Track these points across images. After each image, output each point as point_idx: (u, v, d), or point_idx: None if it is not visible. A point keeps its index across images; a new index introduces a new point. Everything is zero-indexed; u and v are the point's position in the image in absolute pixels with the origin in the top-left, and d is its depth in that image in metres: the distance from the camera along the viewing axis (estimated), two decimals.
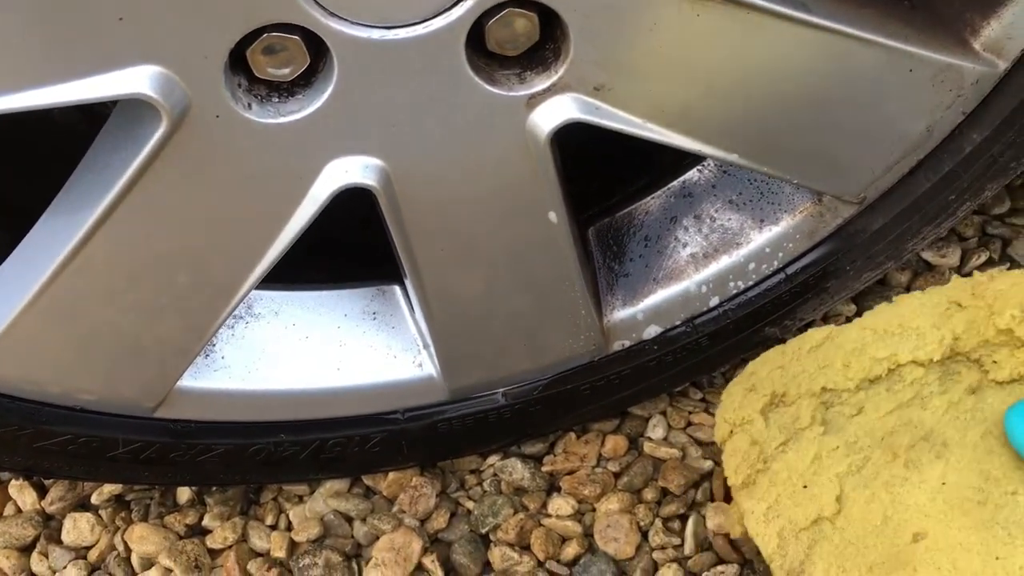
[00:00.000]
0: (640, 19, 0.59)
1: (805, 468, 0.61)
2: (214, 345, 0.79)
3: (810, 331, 0.64)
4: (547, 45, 0.62)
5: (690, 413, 0.92)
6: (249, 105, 0.60)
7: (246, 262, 0.68)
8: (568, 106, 0.63)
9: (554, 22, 0.60)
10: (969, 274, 0.98)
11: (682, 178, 0.81)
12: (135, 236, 0.65)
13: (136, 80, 0.55)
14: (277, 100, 0.61)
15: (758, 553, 0.82)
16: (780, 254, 0.79)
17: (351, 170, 0.64)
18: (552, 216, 0.70)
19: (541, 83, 0.62)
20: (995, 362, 0.60)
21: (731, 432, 0.63)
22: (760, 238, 0.79)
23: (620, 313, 0.82)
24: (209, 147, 0.60)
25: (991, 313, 0.60)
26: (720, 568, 0.83)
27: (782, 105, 0.65)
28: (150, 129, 0.58)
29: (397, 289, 0.83)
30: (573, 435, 0.92)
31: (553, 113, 0.63)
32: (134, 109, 0.58)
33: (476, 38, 0.60)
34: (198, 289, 0.69)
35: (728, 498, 0.87)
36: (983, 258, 0.98)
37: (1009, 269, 0.68)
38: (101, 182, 0.61)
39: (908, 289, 0.98)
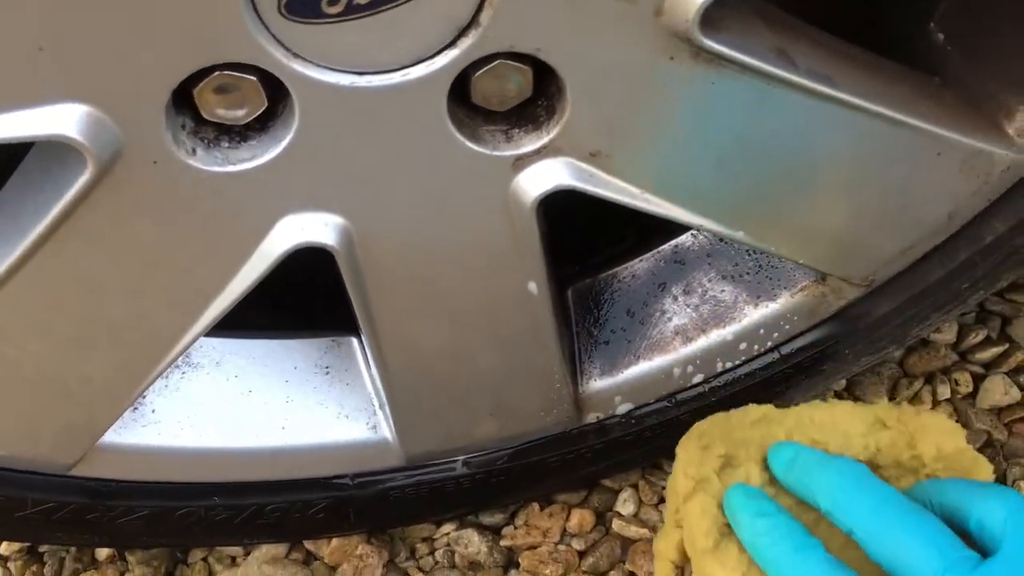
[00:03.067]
0: (648, 82, 0.52)
1: None
2: (144, 397, 0.71)
3: (751, 406, 0.64)
4: (540, 101, 0.55)
5: (663, 488, 0.86)
6: (193, 150, 0.51)
7: (182, 318, 0.60)
8: (559, 171, 0.56)
9: (550, 78, 0.53)
10: (964, 352, 0.93)
11: (674, 242, 0.74)
12: (55, 286, 0.56)
13: (58, 120, 0.47)
14: (227, 145, 0.53)
15: None
16: (775, 333, 0.73)
17: (308, 227, 0.56)
18: (532, 287, 0.62)
19: (530, 144, 0.55)
20: (899, 483, 0.62)
21: (694, 489, 0.59)
22: (755, 315, 0.72)
23: (597, 384, 0.75)
24: (144, 195, 0.52)
25: (911, 440, 0.62)
26: None
27: (797, 184, 0.59)
28: (73, 174, 0.49)
29: (354, 341, 0.75)
30: (536, 506, 0.85)
31: (541, 178, 0.56)
32: (55, 148, 0.50)
33: (460, 89, 0.52)
34: (126, 343, 0.61)
35: None
36: (980, 336, 0.92)
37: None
38: (14, 229, 0.53)
39: (901, 364, 0.92)
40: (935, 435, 0.61)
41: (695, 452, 0.61)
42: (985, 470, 0.61)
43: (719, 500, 0.59)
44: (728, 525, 0.58)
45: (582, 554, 0.82)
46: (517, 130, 0.55)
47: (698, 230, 0.62)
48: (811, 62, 0.54)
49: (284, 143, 0.52)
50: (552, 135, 0.54)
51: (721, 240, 0.73)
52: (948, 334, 0.92)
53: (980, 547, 0.52)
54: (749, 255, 0.72)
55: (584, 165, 0.56)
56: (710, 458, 0.61)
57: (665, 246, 0.75)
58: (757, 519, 0.55)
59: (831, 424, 0.62)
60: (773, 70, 0.52)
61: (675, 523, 0.62)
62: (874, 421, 0.62)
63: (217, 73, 0.48)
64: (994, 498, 0.52)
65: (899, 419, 0.62)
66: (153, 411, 0.71)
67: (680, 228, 0.75)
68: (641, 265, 0.76)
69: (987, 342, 0.92)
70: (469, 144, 0.54)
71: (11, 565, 0.82)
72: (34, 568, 0.81)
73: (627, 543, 0.83)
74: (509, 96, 0.53)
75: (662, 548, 0.63)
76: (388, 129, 0.52)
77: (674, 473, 0.62)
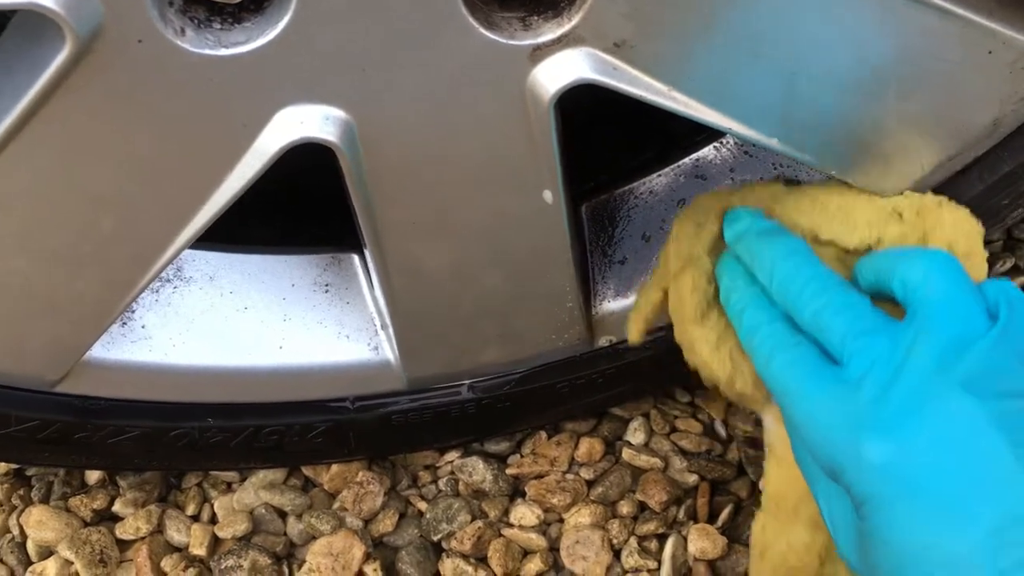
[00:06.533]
0: None
1: None
2: (133, 311, 0.67)
3: (759, 182, 0.63)
4: None
5: (675, 418, 0.83)
6: (182, 30, 0.47)
7: (171, 222, 0.56)
8: (580, 63, 0.51)
9: None
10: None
11: (695, 156, 0.70)
12: (34, 178, 0.52)
13: None
14: (219, 27, 0.48)
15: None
16: None
17: (308, 121, 0.51)
18: (547, 195, 0.58)
19: (550, 32, 0.50)
20: None
21: (684, 267, 0.61)
22: None
23: (611, 305, 0.71)
24: (127, 79, 0.47)
25: (923, 237, 0.60)
26: None
27: (839, 83, 0.54)
28: (50, 51, 0.45)
29: (355, 259, 0.71)
30: (544, 434, 0.82)
31: (561, 70, 0.51)
32: (33, 23, 0.45)
33: None
34: (111, 247, 0.57)
35: (711, 517, 0.78)
36: (1008, 264, 0.88)
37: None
38: None
39: None
40: (949, 233, 0.58)
41: (690, 229, 0.61)
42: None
43: (709, 275, 0.60)
44: (715, 297, 0.60)
45: (591, 484, 0.79)
46: (535, 16, 0.51)
47: (727, 134, 0.58)
48: None
49: (281, 25, 0.47)
50: (574, 22, 0.50)
51: (746, 153, 0.69)
52: None
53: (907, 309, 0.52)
54: (776, 169, 0.68)
55: (607, 57, 0.51)
56: (702, 236, 0.61)
57: (685, 160, 0.71)
58: (734, 280, 0.58)
59: (836, 209, 0.60)
60: None
61: (660, 287, 0.63)
62: (890, 212, 0.60)
63: None
64: (915, 257, 0.52)
65: (918, 212, 0.60)
66: (143, 327, 0.67)
67: (702, 141, 0.70)
68: (659, 180, 0.72)
69: (1015, 271, 0.88)
70: (483, 31, 0.49)
71: None
72: (21, 492, 0.78)
73: (637, 473, 0.79)
74: None
75: (643, 303, 0.64)
76: (395, 12, 0.48)
77: (667, 247, 0.63)
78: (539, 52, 0.51)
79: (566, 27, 0.50)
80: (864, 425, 0.48)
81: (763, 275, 0.56)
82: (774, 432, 0.60)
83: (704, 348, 0.59)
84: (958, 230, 0.58)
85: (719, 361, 0.59)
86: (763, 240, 0.57)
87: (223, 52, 0.48)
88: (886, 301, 0.54)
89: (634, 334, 0.66)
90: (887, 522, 0.46)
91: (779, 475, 0.60)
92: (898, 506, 0.46)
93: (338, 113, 0.52)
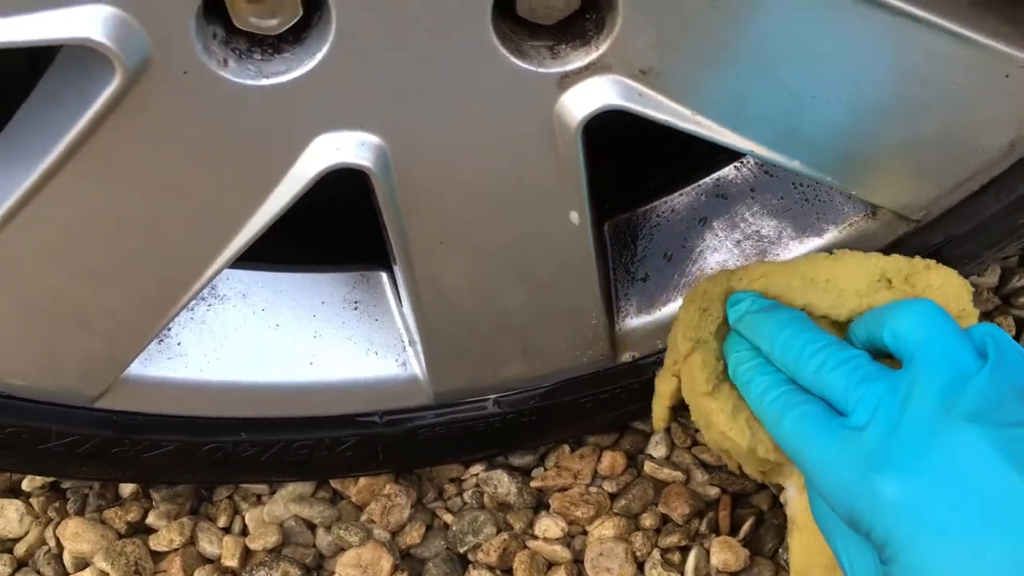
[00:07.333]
0: None
1: None
2: (170, 329, 0.69)
3: (753, 264, 0.65)
4: (588, 15, 0.52)
5: (696, 431, 0.84)
6: (225, 61, 0.49)
7: (210, 244, 0.58)
8: (607, 90, 0.53)
9: None
10: (1007, 296, 0.90)
11: (716, 175, 0.72)
12: (83, 202, 0.54)
13: (85, 22, 0.44)
14: (259, 58, 0.50)
15: None
16: None
17: (343, 147, 0.53)
18: (574, 217, 0.60)
19: (578, 60, 0.52)
20: None
21: (693, 349, 0.63)
22: (800, 251, 0.69)
23: (633, 321, 0.73)
24: (173, 108, 0.49)
25: None
26: None
27: (857, 106, 0.56)
28: (100, 82, 0.47)
29: (384, 276, 0.73)
30: (567, 448, 0.83)
31: (588, 97, 0.53)
32: (84, 56, 0.47)
33: (504, 0, 0.49)
34: (152, 270, 0.59)
35: (733, 529, 0.79)
36: None
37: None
38: (41, 139, 0.51)
39: None
40: (938, 296, 0.60)
41: (695, 315, 0.63)
42: None
43: (717, 354, 0.62)
44: (724, 372, 0.62)
45: (614, 496, 0.81)
46: (564, 45, 0.52)
47: (749, 155, 0.59)
48: None
49: (319, 56, 0.49)
50: (601, 51, 0.52)
51: (766, 172, 0.70)
52: (991, 277, 0.89)
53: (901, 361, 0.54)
54: (796, 188, 0.69)
55: (633, 83, 0.53)
56: (708, 320, 0.63)
57: (707, 179, 0.72)
58: (740, 353, 0.61)
59: (825, 284, 0.62)
60: None
61: (673, 372, 0.65)
62: (879, 277, 0.61)
63: None
64: (902, 308, 0.55)
65: (906, 278, 0.61)
66: (179, 344, 0.69)
67: (722, 161, 0.72)
68: (681, 199, 0.73)
69: None
70: (513, 59, 0.51)
71: (33, 501, 0.80)
72: (57, 504, 0.80)
73: (660, 485, 0.81)
74: (556, 8, 0.50)
75: (662, 391, 0.66)
76: (428, 43, 0.50)
77: (674, 332, 0.65)
78: (567, 79, 0.52)
79: (594, 55, 0.52)
80: (876, 464, 0.48)
81: (765, 345, 0.58)
82: (796, 502, 0.61)
83: (721, 418, 0.61)
84: (947, 292, 0.60)
85: (737, 429, 0.60)
86: (762, 315, 0.60)
87: (264, 82, 0.50)
88: (882, 357, 0.56)
89: (658, 421, 0.68)
90: (910, 560, 0.46)
91: (802, 545, 0.60)
92: (919, 542, 0.46)
93: (373, 139, 0.53)
